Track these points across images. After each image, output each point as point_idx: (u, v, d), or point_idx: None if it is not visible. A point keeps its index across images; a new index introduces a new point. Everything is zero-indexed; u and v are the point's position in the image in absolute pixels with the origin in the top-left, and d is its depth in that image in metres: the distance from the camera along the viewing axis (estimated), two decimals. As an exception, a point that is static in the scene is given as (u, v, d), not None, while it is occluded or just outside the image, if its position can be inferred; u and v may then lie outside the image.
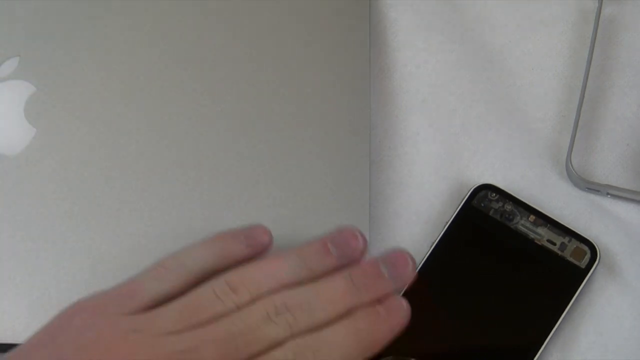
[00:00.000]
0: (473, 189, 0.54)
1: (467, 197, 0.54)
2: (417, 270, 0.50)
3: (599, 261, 0.53)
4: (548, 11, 0.60)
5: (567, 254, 0.53)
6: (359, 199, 0.53)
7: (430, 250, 0.53)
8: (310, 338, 0.44)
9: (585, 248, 0.53)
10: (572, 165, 0.55)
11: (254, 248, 0.48)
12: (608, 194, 0.55)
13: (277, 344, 0.44)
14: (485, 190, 0.54)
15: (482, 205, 0.54)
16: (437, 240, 0.53)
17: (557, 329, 0.51)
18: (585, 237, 0.53)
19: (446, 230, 0.53)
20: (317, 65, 0.56)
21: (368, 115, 0.55)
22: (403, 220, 0.54)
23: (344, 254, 0.47)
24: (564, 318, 0.51)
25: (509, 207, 0.54)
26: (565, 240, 0.53)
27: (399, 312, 0.46)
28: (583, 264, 0.52)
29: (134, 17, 0.57)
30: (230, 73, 0.56)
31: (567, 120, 0.57)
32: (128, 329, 0.44)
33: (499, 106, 0.58)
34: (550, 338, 0.51)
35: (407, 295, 0.51)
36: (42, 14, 0.57)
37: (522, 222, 0.53)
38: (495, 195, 0.54)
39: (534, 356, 0.50)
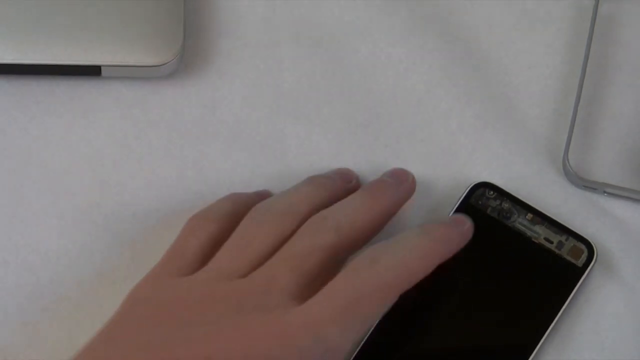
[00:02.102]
0: (470, 187, 0.54)
1: (464, 195, 0.54)
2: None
3: (596, 260, 0.52)
4: (545, 9, 0.60)
5: (564, 253, 0.53)
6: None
7: None
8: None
9: (583, 247, 0.53)
10: (569, 164, 0.55)
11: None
12: (605, 192, 0.55)
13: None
14: (482, 188, 0.54)
15: (480, 203, 0.54)
16: None
17: (553, 327, 0.51)
18: (583, 235, 0.53)
19: None
20: None
21: None
22: (400, 219, 0.54)
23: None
24: (560, 316, 0.51)
25: (506, 205, 0.54)
26: (563, 238, 0.53)
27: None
28: (580, 262, 0.52)
29: None
30: None
31: (564, 118, 0.57)
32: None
33: (496, 105, 0.58)
34: (547, 337, 0.51)
35: (402, 294, 0.51)
36: None
37: (520, 220, 0.53)
38: (493, 194, 0.54)
39: (531, 354, 0.50)
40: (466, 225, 0.51)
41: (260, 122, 0.57)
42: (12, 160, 0.55)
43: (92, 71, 0.55)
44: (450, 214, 0.53)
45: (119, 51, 0.55)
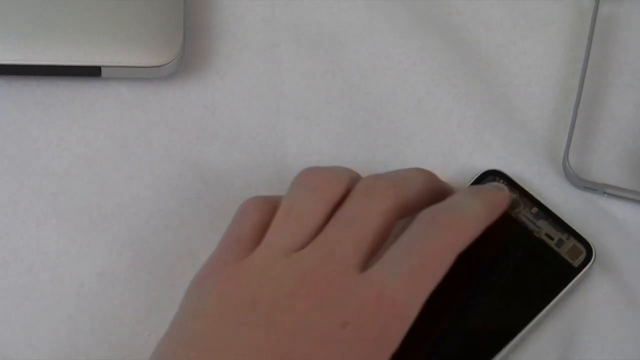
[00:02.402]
0: (480, 173, 0.54)
1: (474, 180, 0.54)
2: None
3: (593, 262, 0.52)
4: (544, 10, 0.60)
5: (562, 251, 0.52)
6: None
7: None
8: None
9: (582, 248, 0.53)
10: (569, 164, 0.55)
11: None
12: (605, 193, 0.55)
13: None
14: (492, 175, 0.54)
15: None
16: None
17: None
18: (584, 236, 0.53)
19: None
20: None
21: None
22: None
23: None
24: (545, 314, 0.51)
25: (514, 195, 0.53)
26: (564, 237, 0.53)
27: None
28: (576, 263, 0.52)
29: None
30: None
31: (564, 119, 0.57)
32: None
33: (496, 105, 0.58)
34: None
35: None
36: None
37: (524, 212, 0.53)
38: (503, 182, 0.54)
39: (506, 345, 0.50)
40: (505, 190, 0.52)
41: (260, 123, 0.57)
42: (12, 160, 0.55)
43: (92, 72, 0.56)
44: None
45: (119, 52, 0.55)
